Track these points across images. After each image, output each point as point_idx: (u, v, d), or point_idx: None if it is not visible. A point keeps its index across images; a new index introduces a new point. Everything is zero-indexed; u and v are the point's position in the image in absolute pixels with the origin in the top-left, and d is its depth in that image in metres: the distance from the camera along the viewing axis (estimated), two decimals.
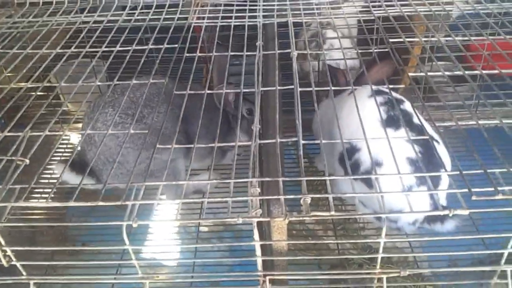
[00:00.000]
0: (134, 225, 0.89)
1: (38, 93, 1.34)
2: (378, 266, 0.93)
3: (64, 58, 1.46)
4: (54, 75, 1.66)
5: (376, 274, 0.93)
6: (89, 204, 0.91)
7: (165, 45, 1.49)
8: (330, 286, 1.07)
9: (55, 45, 1.53)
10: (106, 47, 1.51)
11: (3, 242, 0.91)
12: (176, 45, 1.49)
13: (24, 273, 0.97)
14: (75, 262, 1.24)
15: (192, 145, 1.09)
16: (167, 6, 1.76)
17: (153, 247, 1.92)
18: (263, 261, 0.94)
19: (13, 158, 1.02)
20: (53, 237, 1.92)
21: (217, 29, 1.62)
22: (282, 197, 0.92)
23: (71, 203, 0.91)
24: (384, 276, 0.93)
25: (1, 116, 1.29)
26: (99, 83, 1.40)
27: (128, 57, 1.43)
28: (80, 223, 0.94)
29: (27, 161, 1.02)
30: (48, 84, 1.44)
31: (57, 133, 1.35)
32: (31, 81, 1.38)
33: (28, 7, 1.86)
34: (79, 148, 1.80)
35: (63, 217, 1.95)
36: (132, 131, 1.17)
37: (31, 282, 0.97)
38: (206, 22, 1.66)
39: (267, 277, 0.95)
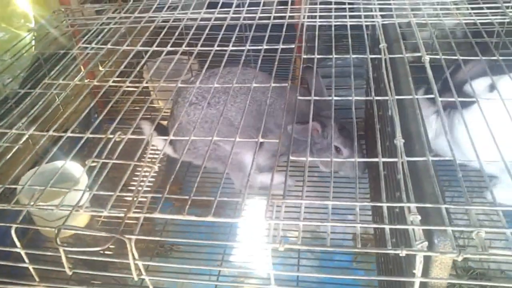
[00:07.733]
0: (281, 249, 0.79)
1: (130, 90, 1.37)
2: None
3: (163, 55, 1.48)
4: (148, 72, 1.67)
5: None
6: (201, 219, 0.84)
7: (265, 46, 1.42)
8: None
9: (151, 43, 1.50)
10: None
11: (136, 256, 0.84)
12: (277, 46, 1.40)
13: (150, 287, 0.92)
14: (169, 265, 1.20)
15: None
16: (275, 4, 1.66)
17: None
18: None
19: (141, 163, 0.96)
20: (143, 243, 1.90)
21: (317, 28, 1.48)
22: (449, 228, 0.79)
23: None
24: None
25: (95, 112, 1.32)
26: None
27: (226, 57, 1.41)
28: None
29: (156, 167, 0.96)
30: (144, 84, 1.42)
31: None
32: (129, 81, 1.35)
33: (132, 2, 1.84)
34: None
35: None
36: None
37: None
38: (319, 22, 1.53)
39: None
